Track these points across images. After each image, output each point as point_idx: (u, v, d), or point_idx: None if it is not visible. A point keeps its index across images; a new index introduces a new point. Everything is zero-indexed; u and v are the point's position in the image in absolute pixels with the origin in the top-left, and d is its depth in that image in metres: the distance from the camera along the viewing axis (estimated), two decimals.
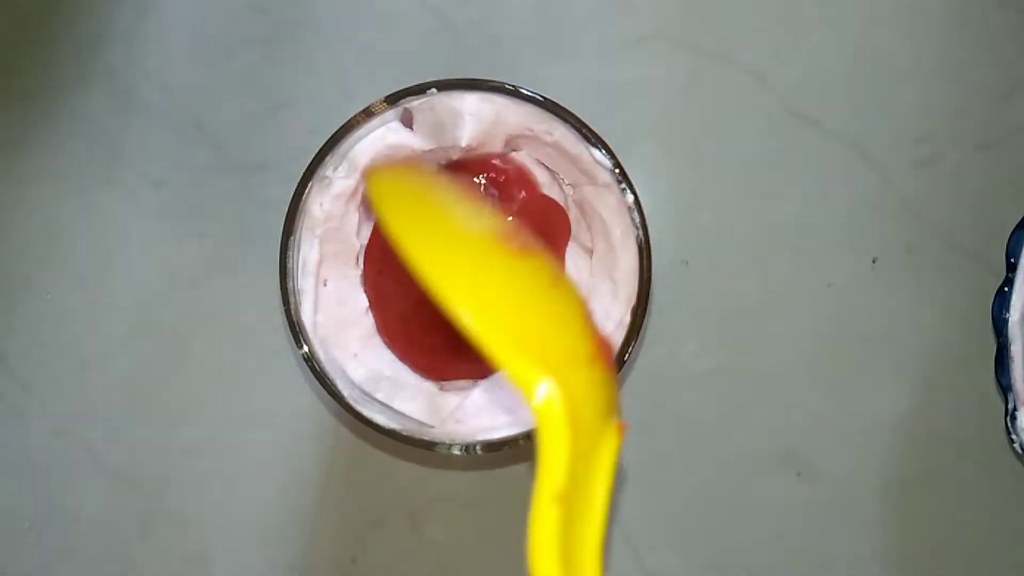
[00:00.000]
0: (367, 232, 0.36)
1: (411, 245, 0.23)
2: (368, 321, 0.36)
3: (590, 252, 0.35)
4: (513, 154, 0.35)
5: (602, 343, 0.24)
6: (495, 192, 0.35)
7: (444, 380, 0.36)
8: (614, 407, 0.24)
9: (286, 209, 0.34)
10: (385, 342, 0.36)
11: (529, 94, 0.33)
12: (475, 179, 0.35)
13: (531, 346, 0.22)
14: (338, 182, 0.34)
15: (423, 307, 0.34)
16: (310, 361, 0.34)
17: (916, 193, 0.39)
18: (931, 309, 0.39)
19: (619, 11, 0.40)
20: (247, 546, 0.40)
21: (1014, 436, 0.36)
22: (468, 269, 0.23)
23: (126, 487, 0.40)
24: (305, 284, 0.34)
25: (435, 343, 0.35)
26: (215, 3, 0.41)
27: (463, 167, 0.35)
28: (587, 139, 0.33)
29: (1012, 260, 0.35)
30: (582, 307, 0.24)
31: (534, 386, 0.22)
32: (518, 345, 0.22)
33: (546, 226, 0.35)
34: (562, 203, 0.36)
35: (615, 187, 0.33)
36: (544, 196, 0.35)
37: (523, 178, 0.35)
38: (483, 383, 0.36)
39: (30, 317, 0.40)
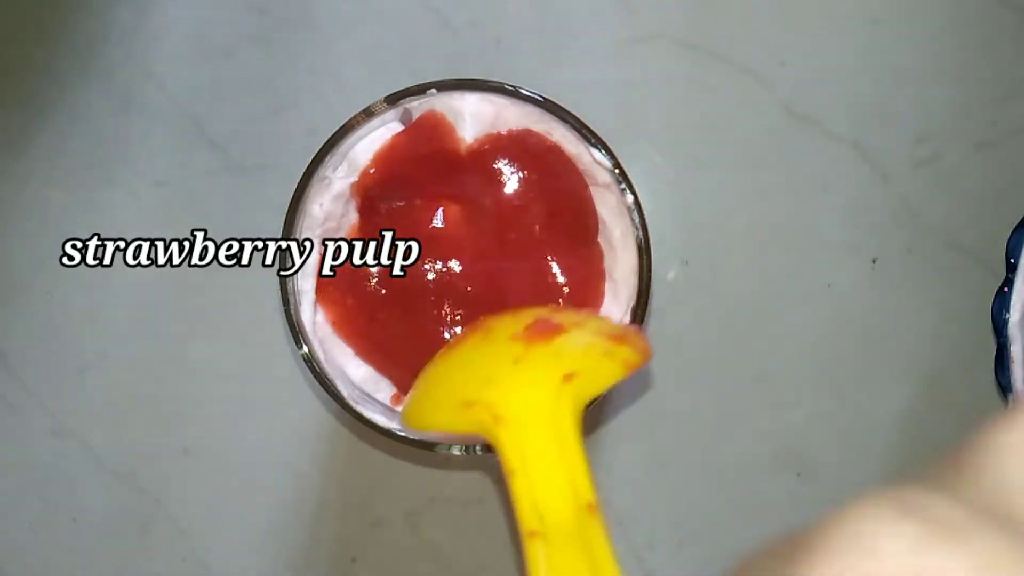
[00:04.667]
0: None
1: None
2: None
3: None
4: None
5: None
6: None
7: None
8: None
9: (286, 209, 0.34)
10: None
11: (529, 94, 0.33)
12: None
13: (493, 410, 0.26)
14: (338, 182, 0.34)
15: (387, 339, 0.35)
16: (310, 361, 0.34)
17: (916, 193, 0.39)
18: (931, 309, 0.39)
19: (619, 11, 0.40)
20: (247, 546, 0.40)
21: None
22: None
23: (126, 487, 0.40)
24: (305, 284, 0.34)
25: (404, 374, 0.35)
26: (215, 3, 0.40)
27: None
28: (587, 139, 0.33)
29: (1012, 260, 0.35)
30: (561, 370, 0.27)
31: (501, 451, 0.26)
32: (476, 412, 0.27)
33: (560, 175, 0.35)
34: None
35: (615, 187, 0.33)
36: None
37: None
38: None
39: (30, 317, 0.40)
